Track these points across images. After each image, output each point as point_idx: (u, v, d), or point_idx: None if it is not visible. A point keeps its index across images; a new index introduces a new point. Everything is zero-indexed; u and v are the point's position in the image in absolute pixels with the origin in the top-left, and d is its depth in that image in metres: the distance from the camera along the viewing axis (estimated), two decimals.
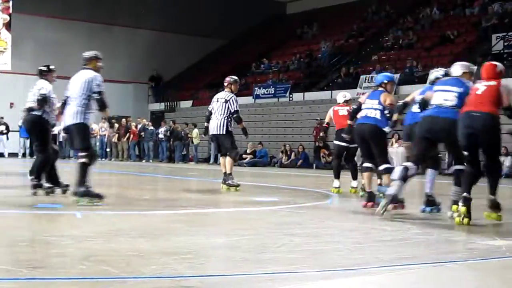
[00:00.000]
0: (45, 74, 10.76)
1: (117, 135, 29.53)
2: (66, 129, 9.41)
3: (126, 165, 15.81)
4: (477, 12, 27.12)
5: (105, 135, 29.66)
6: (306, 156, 25.07)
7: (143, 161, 28.63)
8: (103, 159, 29.26)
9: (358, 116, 9.64)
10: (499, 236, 6.54)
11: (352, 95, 24.76)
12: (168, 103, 34.70)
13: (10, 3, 29.67)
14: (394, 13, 32.11)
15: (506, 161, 19.21)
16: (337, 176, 12.01)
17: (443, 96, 7.98)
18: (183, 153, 28.50)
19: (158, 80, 36.53)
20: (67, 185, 10.28)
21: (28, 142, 30.21)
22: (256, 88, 29.56)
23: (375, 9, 33.62)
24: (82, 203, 8.67)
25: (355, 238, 6.36)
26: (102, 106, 9.13)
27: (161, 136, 29.03)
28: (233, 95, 12.57)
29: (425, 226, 7.38)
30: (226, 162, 12.03)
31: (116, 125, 29.81)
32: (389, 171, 9.01)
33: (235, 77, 12.82)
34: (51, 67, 10.96)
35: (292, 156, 25.14)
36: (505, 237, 6.48)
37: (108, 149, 30.02)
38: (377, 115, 9.23)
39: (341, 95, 12.86)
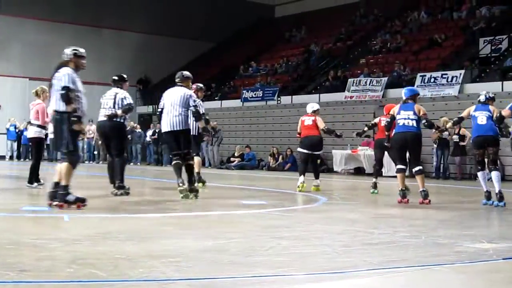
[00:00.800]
0: (120, 83, 11.78)
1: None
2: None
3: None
4: (465, 16, 27.22)
5: (92, 137, 29.56)
6: (294, 160, 25.06)
7: (131, 164, 28.54)
8: (91, 162, 29.18)
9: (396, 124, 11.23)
10: (487, 239, 6.56)
11: (340, 98, 25.06)
12: (156, 106, 34.59)
13: None
14: (382, 17, 32.17)
15: None
16: (303, 174, 13.73)
17: None
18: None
19: (146, 83, 36.46)
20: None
21: (15, 144, 30.13)
22: (244, 91, 29.54)
23: (363, 12, 33.68)
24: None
25: (343, 241, 6.37)
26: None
27: (148, 139, 28.99)
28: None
29: (413, 229, 7.40)
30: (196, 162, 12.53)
31: None
32: (422, 172, 11.23)
33: (201, 85, 13.45)
34: (125, 76, 12.00)
35: (280, 159, 25.14)
36: (492, 241, 6.50)
37: (95, 152, 29.93)
38: (415, 124, 10.97)
39: (310, 106, 14.18)
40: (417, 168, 11.21)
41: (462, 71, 22.01)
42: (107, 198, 11.20)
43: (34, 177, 12.48)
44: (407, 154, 11.67)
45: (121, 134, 11.61)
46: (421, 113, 10.99)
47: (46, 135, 12.43)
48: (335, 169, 22.57)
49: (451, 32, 26.39)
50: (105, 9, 35.37)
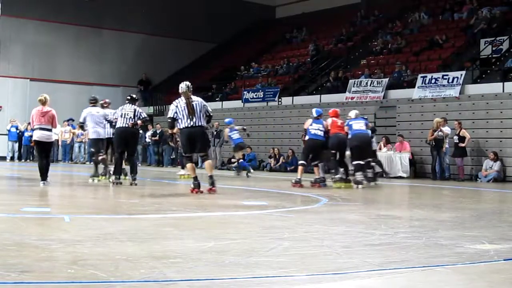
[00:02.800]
0: (135, 100, 15.01)
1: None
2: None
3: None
4: (466, 16, 27.20)
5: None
6: (297, 161, 25.07)
7: None
8: (91, 163, 29.14)
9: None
10: (487, 240, 6.56)
11: (341, 99, 25.06)
12: (157, 107, 34.63)
13: None
14: (382, 18, 32.18)
15: (494, 166, 19.29)
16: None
17: None
18: (172, 156, 28.43)
19: (147, 84, 36.46)
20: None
21: (16, 145, 30.14)
22: (245, 92, 29.55)
23: (364, 13, 33.69)
24: None
25: (344, 242, 6.36)
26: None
27: (147, 140, 28.98)
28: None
29: (414, 230, 7.40)
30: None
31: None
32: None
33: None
34: (135, 96, 15.44)
35: (281, 160, 25.13)
36: (493, 241, 6.50)
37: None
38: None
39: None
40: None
41: (463, 72, 22.01)
42: (108, 199, 11.21)
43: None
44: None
45: (137, 140, 15.21)
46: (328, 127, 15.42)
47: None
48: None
49: (452, 33, 26.39)
50: (106, 10, 35.39)
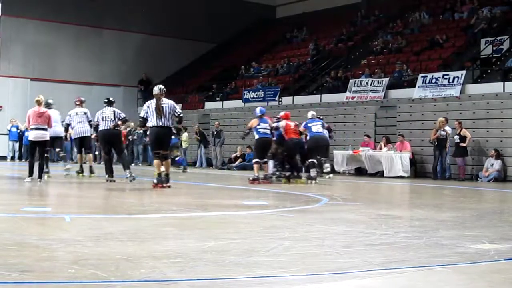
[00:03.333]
0: (112, 103, 15.98)
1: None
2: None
3: (115, 169, 15.90)
4: (466, 16, 27.18)
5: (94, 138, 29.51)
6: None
7: (132, 164, 28.53)
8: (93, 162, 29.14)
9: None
10: (488, 240, 6.56)
11: (341, 99, 25.06)
12: None
13: None
14: (383, 17, 32.17)
15: (495, 164, 19.28)
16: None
17: None
18: (171, 157, 28.36)
19: (147, 84, 36.41)
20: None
21: (17, 145, 30.14)
22: (246, 92, 29.54)
23: (364, 13, 33.67)
24: None
25: (344, 241, 6.37)
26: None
27: (146, 139, 28.93)
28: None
29: (414, 230, 7.40)
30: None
31: None
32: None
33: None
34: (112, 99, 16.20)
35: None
36: (493, 241, 6.50)
37: (96, 153, 29.88)
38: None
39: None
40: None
41: (464, 72, 22.00)
42: (109, 199, 11.21)
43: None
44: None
45: (120, 139, 16.64)
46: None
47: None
48: (336, 169, 22.57)
49: (453, 33, 26.38)
50: (106, 10, 35.39)
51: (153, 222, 7.96)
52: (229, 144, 27.94)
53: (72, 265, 4.80)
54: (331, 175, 18.93)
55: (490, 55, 23.50)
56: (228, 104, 30.35)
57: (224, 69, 36.27)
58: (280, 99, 27.86)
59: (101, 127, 15.60)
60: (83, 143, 17.01)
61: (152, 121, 13.34)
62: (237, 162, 25.85)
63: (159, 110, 13.21)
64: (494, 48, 23.42)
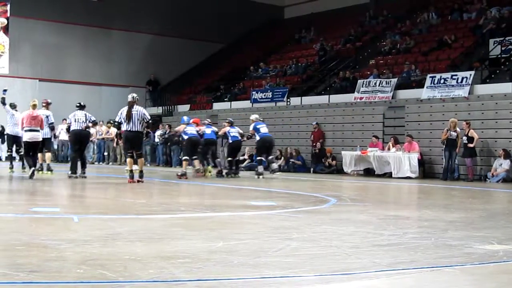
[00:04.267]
0: (83, 107, 17.37)
1: (115, 139, 29.45)
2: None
3: (124, 169, 16.06)
4: (475, 16, 27.11)
5: (103, 139, 29.61)
6: (303, 160, 25.10)
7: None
8: (101, 163, 29.24)
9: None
10: (496, 240, 6.54)
11: (350, 99, 25.03)
12: (166, 107, 34.66)
13: (8, 7, 29.63)
14: (391, 18, 32.11)
15: (504, 164, 19.20)
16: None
17: None
18: (180, 157, 28.39)
19: (155, 84, 36.49)
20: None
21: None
22: (254, 92, 29.54)
23: (372, 13, 33.62)
24: None
25: (352, 242, 6.36)
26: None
27: (156, 139, 28.98)
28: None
29: (423, 231, 7.39)
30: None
31: (115, 129, 29.74)
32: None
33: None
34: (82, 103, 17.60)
35: (281, 161, 25.14)
36: (502, 242, 6.48)
37: (106, 153, 29.97)
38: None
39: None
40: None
41: (472, 72, 21.95)
42: (117, 199, 11.23)
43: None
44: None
45: (88, 139, 18.73)
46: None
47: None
48: (344, 170, 22.55)
49: (461, 33, 26.32)
50: (114, 11, 35.44)
51: (161, 222, 7.97)
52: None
53: (81, 266, 4.81)
54: (278, 173, 20.25)
55: (499, 55, 23.43)
56: (236, 104, 30.35)
57: (232, 69, 36.28)
58: (288, 100, 27.85)
59: (72, 128, 17.07)
60: (43, 144, 18.16)
61: (124, 126, 15.48)
62: (245, 163, 25.85)
63: (128, 117, 15.30)
64: (503, 49, 23.34)
